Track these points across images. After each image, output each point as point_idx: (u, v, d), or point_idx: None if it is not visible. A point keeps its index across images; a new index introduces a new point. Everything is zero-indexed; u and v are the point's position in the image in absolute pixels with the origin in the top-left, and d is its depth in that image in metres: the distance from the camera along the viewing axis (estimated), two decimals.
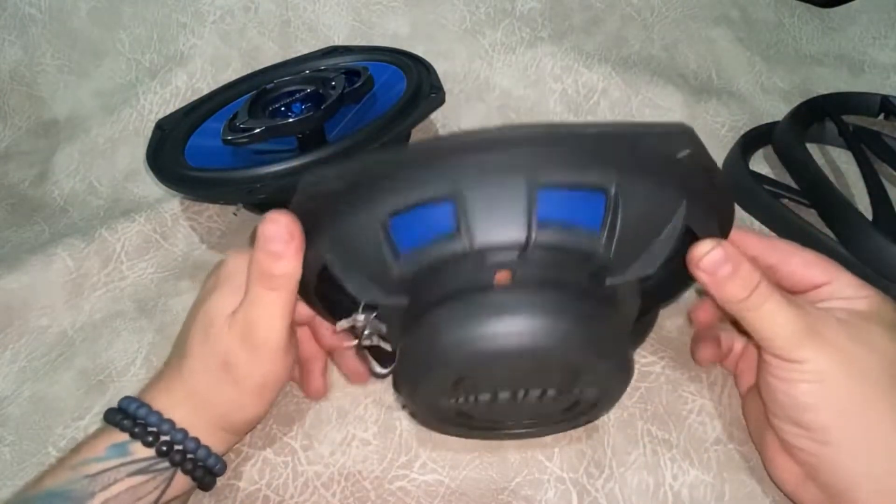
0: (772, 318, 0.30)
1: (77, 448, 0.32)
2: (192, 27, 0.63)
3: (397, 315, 0.29)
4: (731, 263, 0.30)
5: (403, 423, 0.38)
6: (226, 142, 0.45)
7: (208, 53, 0.63)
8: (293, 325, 0.34)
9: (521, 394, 0.29)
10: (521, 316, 0.26)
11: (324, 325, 0.38)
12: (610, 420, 0.38)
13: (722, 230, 0.33)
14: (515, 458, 0.37)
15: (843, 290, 0.34)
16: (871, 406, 0.30)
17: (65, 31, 0.63)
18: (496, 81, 0.63)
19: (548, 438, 0.37)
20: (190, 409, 0.33)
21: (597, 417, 0.36)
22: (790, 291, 0.33)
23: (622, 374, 0.29)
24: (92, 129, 0.60)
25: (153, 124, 0.53)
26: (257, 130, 0.44)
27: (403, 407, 0.38)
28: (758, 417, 0.35)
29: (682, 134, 0.27)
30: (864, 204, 0.49)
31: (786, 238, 0.49)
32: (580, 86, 0.62)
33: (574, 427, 0.36)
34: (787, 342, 0.30)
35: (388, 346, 0.31)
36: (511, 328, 0.26)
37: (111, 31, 0.63)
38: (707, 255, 0.30)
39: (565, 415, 0.32)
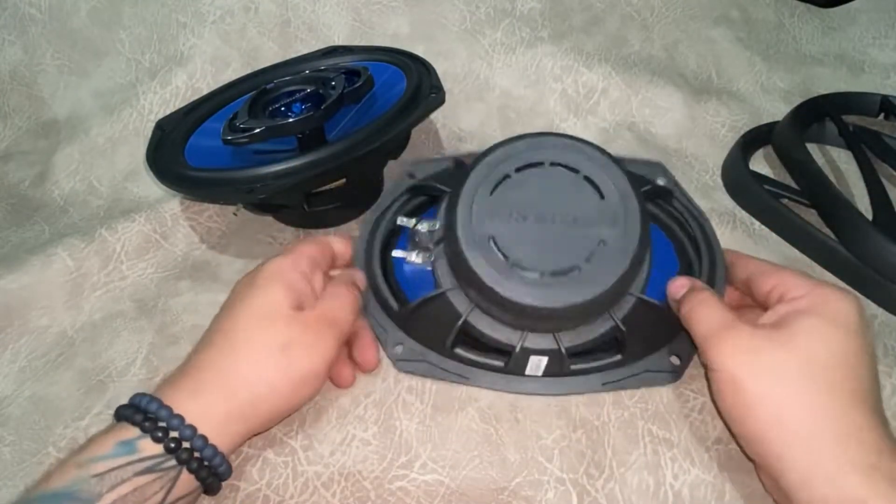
0: (698, 315, 0.35)
1: (85, 444, 0.31)
2: (192, 27, 0.63)
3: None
4: (689, 285, 0.37)
5: (403, 422, 0.38)
6: (226, 142, 0.45)
7: (208, 53, 0.62)
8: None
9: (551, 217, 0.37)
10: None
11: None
12: (610, 420, 0.38)
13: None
14: (515, 459, 0.37)
15: (789, 290, 0.34)
16: (799, 412, 0.30)
17: (65, 31, 0.63)
18: (496, 81, 0.63)
19: (548, 439, 0.37)
20: (208, 399, 0.33)
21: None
22: (759, 305, 0.36)
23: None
24: (92, 129, 0.60)
25: (153, 124, 0.53)
26: (257, 130, 0.44)
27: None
28: None
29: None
30: (864, 204, 0.49)
31: (785, 238, 0.49)
32: (580, 86, 0.62)
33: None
34: (704, 342, 0.34)
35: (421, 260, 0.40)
36: None
37: (111, 31, 0.63)
38: (671, 283, 0.38)
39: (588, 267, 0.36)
